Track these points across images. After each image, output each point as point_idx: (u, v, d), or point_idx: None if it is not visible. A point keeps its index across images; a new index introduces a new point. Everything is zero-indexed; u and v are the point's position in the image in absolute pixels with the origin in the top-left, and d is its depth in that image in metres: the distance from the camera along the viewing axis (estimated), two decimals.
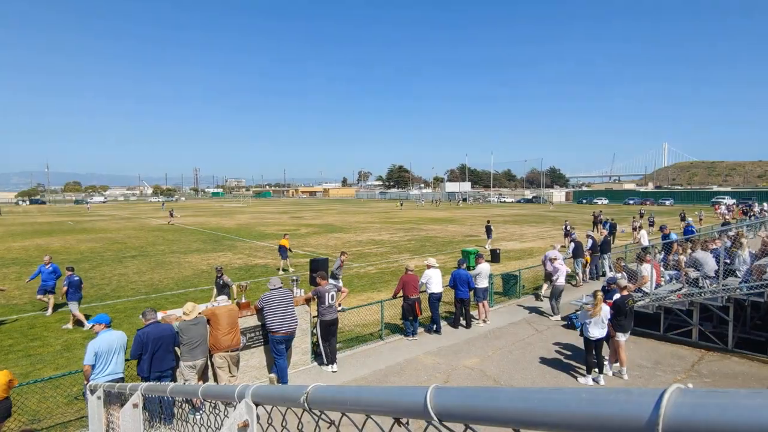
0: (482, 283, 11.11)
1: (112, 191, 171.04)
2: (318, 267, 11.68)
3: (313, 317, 9.08)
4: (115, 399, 3.86)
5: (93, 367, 5.91)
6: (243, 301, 8.13)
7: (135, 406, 2.97)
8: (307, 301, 8.74)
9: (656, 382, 7.72)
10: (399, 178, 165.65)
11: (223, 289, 10.77)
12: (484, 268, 11.33)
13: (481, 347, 9.51)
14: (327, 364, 8.45)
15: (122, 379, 6.11)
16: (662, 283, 10.84)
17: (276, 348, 7.69)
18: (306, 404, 1.19)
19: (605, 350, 8.19)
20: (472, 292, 10.91)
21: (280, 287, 7.97)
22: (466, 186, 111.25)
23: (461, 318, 10.80)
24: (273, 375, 7.86)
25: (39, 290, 12.04)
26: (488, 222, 24.85)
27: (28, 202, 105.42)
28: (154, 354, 6.27)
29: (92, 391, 4.22)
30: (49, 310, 12.06)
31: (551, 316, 11.40)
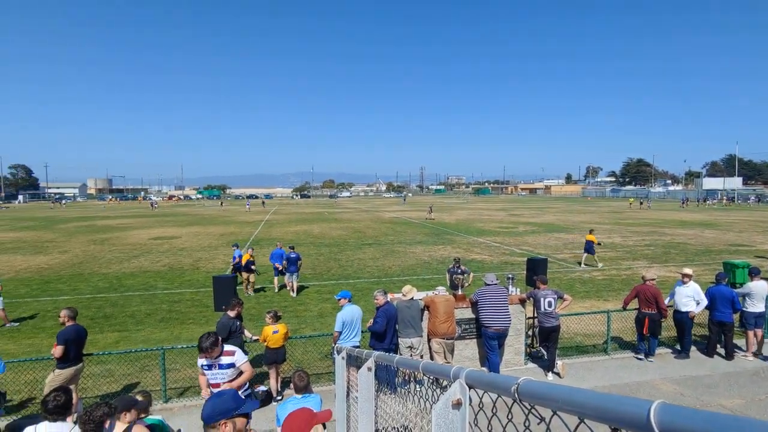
0: (756, 306, 8.69)
1: (355, 188, 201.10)
2: (536, 267, 11.20)
3: (528, 318, 8.80)
4: (353, 362, 4.62)
5: (340, 333, 7.20)
6: (459, 293, 8.50)
7: (369, 369, 3.50)
8: (522, 301, 8.52)
9: None
10: (637, 173, 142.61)
11: (462, 275, 10.80)
12: (761, 287, 8.82)
13: (748, 387, 7.48)
14: (545, 371, 8.09)
15: (359, 347, 7.24)
16: None
17: (489, 343, 7.78)
18: (516, 394, 1.23)
19: None
20: (737, 316, 8.67)
21: (496, 283, 8.01)
22: (734, 182, 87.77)
23: (718, 345, 8.71)
24: (485, 369, 7.99)
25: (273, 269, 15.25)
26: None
27: (299, 197, 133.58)
28: (390, 329, 7.31)
29: (338, 353, 5.16)
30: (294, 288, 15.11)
31: None
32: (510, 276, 9.32)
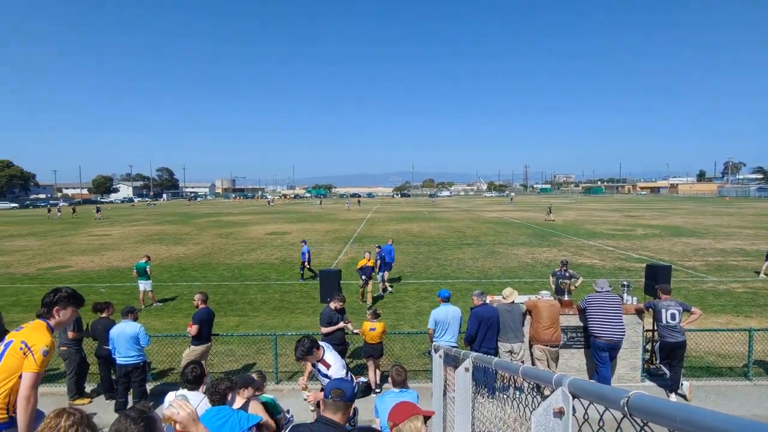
0: None
1: (455, 187, 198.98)
2: (657, 275, 10.03)
3: (646, 331, 7.95)
4: (451, 361, 4.61)
5: (434, 330, 7.22)
6: (566, 298, 7.98)
7: (467, 370, 3.47)
8: (639, 312, 7.70)
9: None
10: None
11: (569, 279, 10.12)
12: None
13: None
14: (667, 391, 7.24)
15: (456, 347, 7.18)
16: None
17: (598, 355, 7.18)
18: (626, 408, 1.14)
19: None
20: None
21: (608, 290, 7.37)
22: None
23: None
24: (594, 382, 7.39)
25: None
26: None
27: (399, 196, 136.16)
28: (483, 332, 7.06)
29: (436, 351, 5.19)
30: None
31: None
32: (625, 283, 8.48)
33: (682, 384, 7.21)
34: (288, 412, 5.21)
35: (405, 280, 15.95)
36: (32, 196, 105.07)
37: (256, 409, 4.07)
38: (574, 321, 7.73)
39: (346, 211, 57.45)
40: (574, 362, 7.77)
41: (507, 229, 32.51)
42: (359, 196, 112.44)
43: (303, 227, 36.08)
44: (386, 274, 14.37)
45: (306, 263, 16.11)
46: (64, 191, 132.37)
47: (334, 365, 4.88)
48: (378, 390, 7.50)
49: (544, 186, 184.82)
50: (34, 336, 3.04)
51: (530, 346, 7.33)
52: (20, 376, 2.94)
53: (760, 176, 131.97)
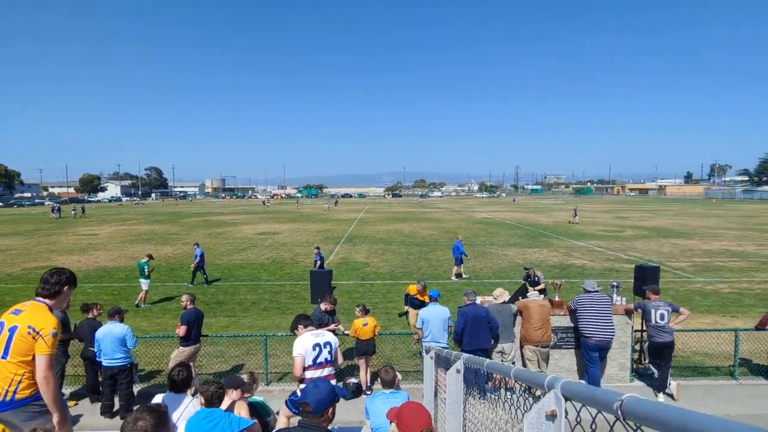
0: None
1: (447, 187, 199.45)
2: (646, 276, 10.13)
3: (635, 331, 8.02)
4: (443, 362, 4.60)
5: (421, 330, 7.22)
6: (556, 299, 8.02)
7: (458, 371, 3.46)
8: (628, 312, 7.77)
9: None
10: None
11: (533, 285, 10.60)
12: None
13: None
14: (655, 390, 7.31)
15: (447, 348, 7.17)
16: None
17: (588, 355, 7.22)
18: (620, 412, 1.13)
19: None
20: None
21: (597, 291, 7.41)
22: None
23: None
24: (584, 382, 7.43)
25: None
26: None
27: (391, 196, 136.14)
28: (470, 331, 7.04)
29: (427, 352, 5.18)
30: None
31: None
32: (615, 284, 8.54)
33: (669, 383, 7.28)
34: (278, 413, 5.16)
35: (396, 280, 15.93)
36: (17, 195, 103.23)
37: (242, 411, 4.02)
38: (565, 321, 7.77)
39: (326, 211, 57.02)
40: (564, 362, 7.81)
41: (498, 230, 32.66)
42: (338, 196, 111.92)
43: (293, 227, 35.92)
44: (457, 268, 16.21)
45: (197, 266, 15.37)
46: (51, 190, 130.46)
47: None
48: (369, 391, 7.47)
49: (534, 187, 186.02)
50: (39, 319, 3.12)
51: (521, 347, 7.35)
52: (33, 359, 3.08)
53: (746, 178, 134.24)
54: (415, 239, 27.46)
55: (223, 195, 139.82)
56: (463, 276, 16.31)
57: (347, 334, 7.85)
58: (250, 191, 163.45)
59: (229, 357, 9.04)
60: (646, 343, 7.56)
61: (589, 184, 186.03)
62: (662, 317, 7.17)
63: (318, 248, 15.79)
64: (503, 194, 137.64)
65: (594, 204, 74.74)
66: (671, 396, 7.17)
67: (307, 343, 5.13)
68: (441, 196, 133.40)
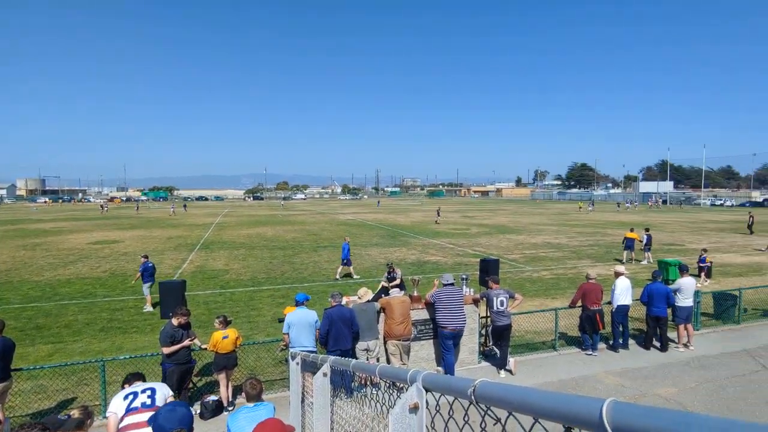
0: (686, 301, 9.37)
1: (310, 190, 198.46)
2: (488, 268, 11.49)
3: (481, 318, 9.01)
4: (309, 367, 4.53)
5: (288, 335, 7.05)
6: (415, 294, 8.57)
7: (325, 375, 3.44)
8: (476, 301, 8.71)
9: None
10: (581, 177, 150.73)
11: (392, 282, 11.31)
12: (688, 283, 9.54)
13: (680, 376, 8.04)
14: (498, 368, 8.32)
15: (314, 353, 7.11)
16: None
17: (444, 343, 7.89)
18: (473, 397, 1.23)
19: None
20: (670, 310, 9.33)
21: (452, 283, 8.13)
22: (667, 185, 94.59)
23: (654, 339, 9.32)
24: (440, 369, 8.09)
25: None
26: (647, 230, 20.38)
27: (251, 198, 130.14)
28: (336, 332, 7.10)
29: (293, 358, 5.05)
30: None
31: None
32: (464, 276, 9.50)
33: (509, 361, 8.36)
34: None
35: (259, 286, 15.28)
36: None
37: None
38: (423, 314, 8.35)
39: (171, 216, 52.21)
40: (423, 353, 8.38)
41: (361, 231, 33.69)
42: (191, 199, 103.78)
43: (137, 234, 31.89)
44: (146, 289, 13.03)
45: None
46: None
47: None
48: (231, 408, 7.00)
49: (393, 189, 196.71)
50: None
51: (384, 342, 7.67)
52: None
53: (559, 182, 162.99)
54: (278, 243, 26.72)
55: (44, 198, 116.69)
56: (353, 276, 16.61)
57: (205, 349, 7.23)
58: (80, 194, 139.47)
59: (53, 391, 7.57)
60: (490, 328, 8.58)
61: (441, 186, 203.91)
62: (502, 303, 8.21)
63: (146, 256, 13.68)
64: (365, 196, 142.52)
65: (445, 205, 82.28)
66: (510, 371, 8.25)
67: (118, 398, 4.45)
68: (304, 199, 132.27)
